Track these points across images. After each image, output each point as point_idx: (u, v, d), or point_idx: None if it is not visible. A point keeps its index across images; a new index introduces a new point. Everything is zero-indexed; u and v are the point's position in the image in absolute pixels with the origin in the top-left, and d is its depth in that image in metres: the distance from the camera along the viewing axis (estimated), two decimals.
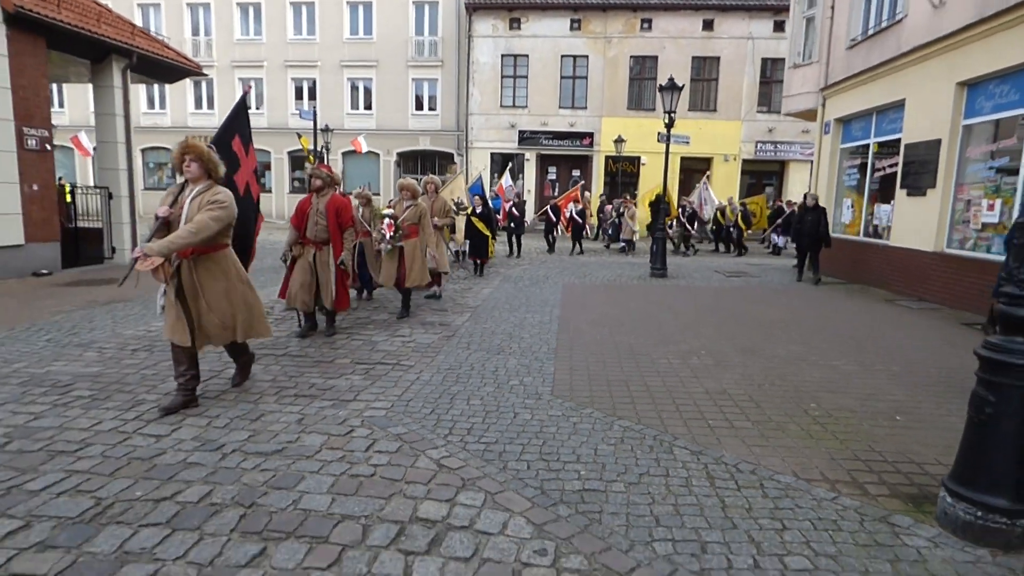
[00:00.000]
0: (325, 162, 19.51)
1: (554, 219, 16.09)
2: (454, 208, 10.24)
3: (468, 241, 11.20)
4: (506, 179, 17.41)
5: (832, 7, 12.24)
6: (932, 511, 2.71)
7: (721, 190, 21.03)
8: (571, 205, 16.47)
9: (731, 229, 17.02)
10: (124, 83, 10.56)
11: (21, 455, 3.11)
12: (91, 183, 21.27)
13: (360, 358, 5.15)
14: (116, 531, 2.44)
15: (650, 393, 4.37)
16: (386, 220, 6.60)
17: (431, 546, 2.39)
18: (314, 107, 17.83)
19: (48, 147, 9.08)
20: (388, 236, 6.52)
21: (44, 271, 9.29)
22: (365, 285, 7.94)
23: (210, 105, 24.56)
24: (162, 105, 24.95)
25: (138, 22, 21.28)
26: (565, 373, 4.83)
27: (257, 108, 24.53)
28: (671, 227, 16.24)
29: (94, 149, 20.29)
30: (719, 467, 3.15)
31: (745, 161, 23.33)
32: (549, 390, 4.39)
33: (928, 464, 3.26)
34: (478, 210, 10.66)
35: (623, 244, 16.64)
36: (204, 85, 24.38)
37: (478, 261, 10.98)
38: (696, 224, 17.17)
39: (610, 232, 17.90)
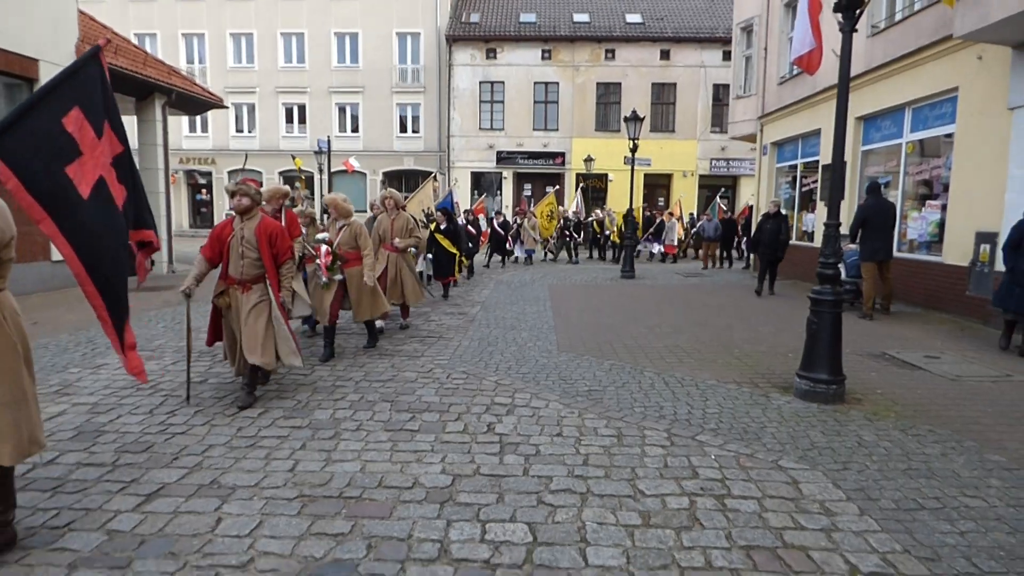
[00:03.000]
0: (333, 186, 20.82)
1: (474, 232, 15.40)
2: (423, 221, 9.63)
3: (431, 261, 9.95)
4: (453, 194, 15.68)
5: (765, 49, 14.61)
6: (792, 391, 4.63)
7: (682, 204, 23.32)
8: (483, 216, 17.02)
9: (609, 238, 18.13)
10: (164, 117, 12.08)
11: (224, 385, 4.79)
12: None
13: (410, 334, 6.89)
14: (321, 412, 4.17)
15: (626, 348, 6.26)
16: (323, 248, 5.55)
17: (508, 413, 4.19)
18: (329, 138, 19.36)
19: None
20: (325, 267, 5.51)
21: None
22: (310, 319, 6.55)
23: (203, 129, 25.84)
24: None
25: None
26: (565, 339, 6.68)
27: (250, 132, 25.96)
28: (554, 238, 17.25)
29: None
30: (672, 379, 5.04)
31: (702, 176, 25.80)
32: (556, 348, 6.23)
33: None
34: (442, 226, 9.71)
35: (516, 256, 16.37)
36: None
37: (444, 283, 9.93)
38: (581, 233, 18.38)
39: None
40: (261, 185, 4.76)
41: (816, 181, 12.33)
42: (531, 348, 6.22)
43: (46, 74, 9.77)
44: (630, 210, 14.28)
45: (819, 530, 2.64)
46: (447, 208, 10.56)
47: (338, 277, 5.61)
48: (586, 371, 5.29)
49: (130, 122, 16.31)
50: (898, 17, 9.69)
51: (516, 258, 16.69)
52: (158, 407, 4.26)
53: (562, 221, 17.90)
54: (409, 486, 3.06)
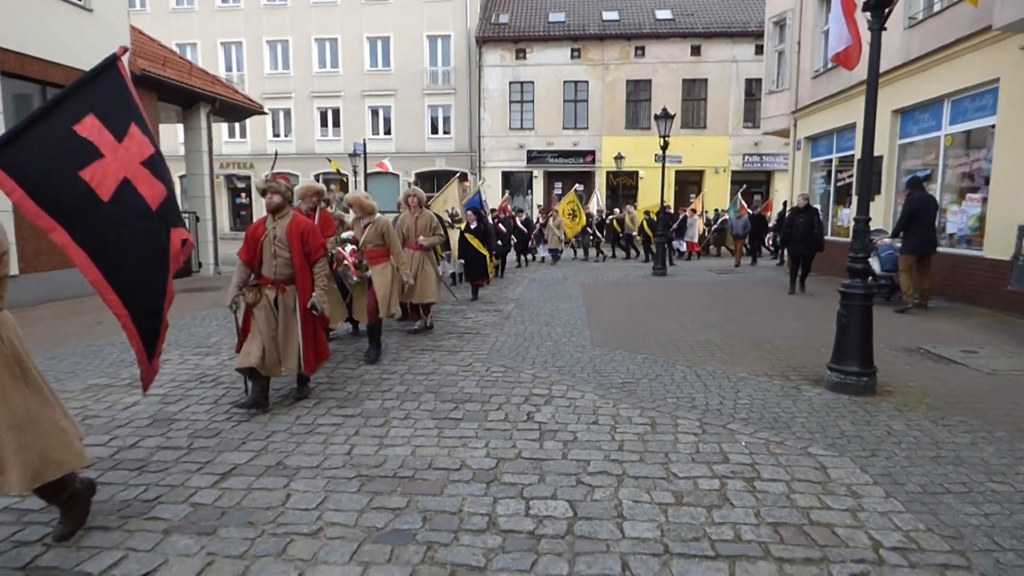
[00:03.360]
0: (361, 186, 21.41)
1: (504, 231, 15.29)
2: (448, 221, 9.64)
3: (463, 262, 10.00)
4: (481, 193, 14.78)
5: (799, 43, 14.45)
6: (823, 383, 4.72)
7: (713, 200, 23.14)
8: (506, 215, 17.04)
9: (634, 236, 18.13)
10: (208, 124, 12.68)
11: (279, 378, 5.12)
12: None
13: (448, 330, 7.17)
14: (370, 402, 4.46)
15: (658, 342, 6.40)
16: (348, 247, 5.57)
17: (546, 403, 4.41)
18: (364, 141, 19.91)
19: None
20: (353, 266, 5.57)
21: None
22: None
23: (242, 134, 26.76)
24: None
25: None
26: (598, 334, 6.85)
27: (286, 136, 26.77)
28: (580, 237, 17.34)
29: None
30: (703, 371, 5.18)
31: (734, 172, 25.51)
32: (589, 343, 6.41)
33: None
34: (472, 226, 9.60)
35: (542, 256, 16.47)
36: None
37: (475, 284, 9.81)
38: (604, 231, 18.50)
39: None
40: (292, 186, 4.66)
41: (852, 176, 12.17)
42: (566, 343, 6.42)
43: None
44: (663, 207, 14.28)
45: (845, 510, 2.78)
46: (476, 207, 10.50)
47: (367, 274, 5.66)
48: (620, 364, 5.47)
49: (176, 130, 17.22)
50: (936, 8, 9.53)
51: (543, 258, 16.77)
52: (221, 398, 4.63)
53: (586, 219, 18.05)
54: (457, 468, 3.30)
